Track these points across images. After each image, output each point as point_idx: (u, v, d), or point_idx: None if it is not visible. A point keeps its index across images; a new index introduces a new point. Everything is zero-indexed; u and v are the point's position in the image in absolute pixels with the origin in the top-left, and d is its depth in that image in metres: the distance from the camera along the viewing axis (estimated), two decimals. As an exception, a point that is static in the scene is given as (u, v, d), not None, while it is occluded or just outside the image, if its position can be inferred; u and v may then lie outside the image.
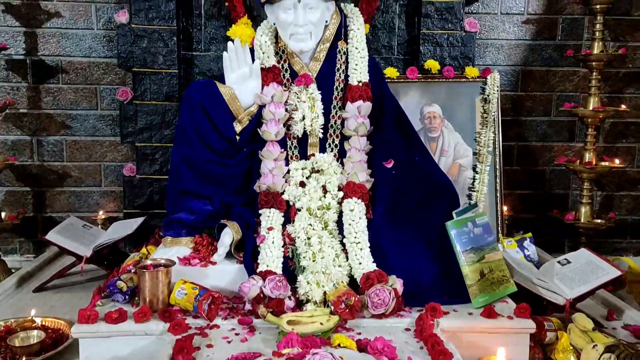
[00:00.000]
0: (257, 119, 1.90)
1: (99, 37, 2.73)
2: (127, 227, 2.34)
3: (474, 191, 2.61)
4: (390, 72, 2.62)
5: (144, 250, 2.00)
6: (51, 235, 2.25)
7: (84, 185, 2.82)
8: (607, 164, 2.65)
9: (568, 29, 2.86)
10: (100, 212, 2.74)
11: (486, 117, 2.60)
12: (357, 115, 1.88)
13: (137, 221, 2.39)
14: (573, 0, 2.78)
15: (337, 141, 1.94)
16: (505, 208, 2.66)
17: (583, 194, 2.69)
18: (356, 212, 1.74)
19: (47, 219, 2.80)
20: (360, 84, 1.91)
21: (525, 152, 2.93)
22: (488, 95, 2.59)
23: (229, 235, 1.73)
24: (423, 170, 1.82)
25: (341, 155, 1.93)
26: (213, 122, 1.82)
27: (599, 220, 2.67)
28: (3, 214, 2.51)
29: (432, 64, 2.63)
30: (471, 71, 2.61)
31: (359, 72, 1.91)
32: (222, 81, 1.90)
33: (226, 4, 2.64)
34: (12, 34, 2.68)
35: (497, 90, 2.60)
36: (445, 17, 2.67)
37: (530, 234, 2.21)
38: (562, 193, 2.97)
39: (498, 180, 2.64)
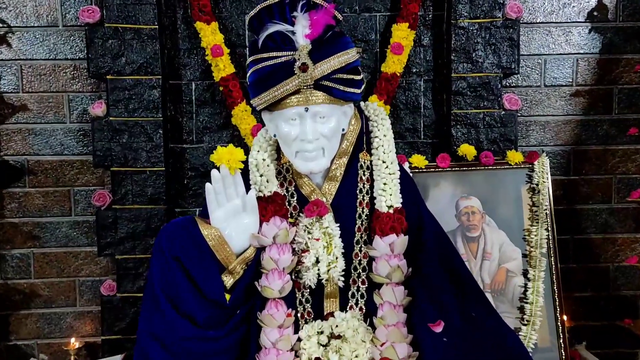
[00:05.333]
0: (254, 267, 1.38)
1: (72, 132, 2.34)
2: (98, 376, 1.88)
3: (527, 303, 2.16)
4: (417, 160, 2.22)
5: None
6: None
7: (55, 306, 2.38)
8: (690, 265, 2.18)
9: (626, 100, 2.43)
10: (73, 340, 2.28)
11: (536, 212, 2.19)
12: (389, 255, 1.35)
13: (113, 364, 1.93)
14: (630, 69, 2.36)
15: (362, 289, 1.40)
16: (565, 318, 2.19)
17: (661, 301, 2.21)
18: (397, 412, 1.24)
19: (12, 348, 2.35)
20: (392, 211, 1.39)
21: (583, 247, 2.48)
22: (537, 185, 2.19)
23: None
24: (485, 330, 1.30)
25: (369, 309, 1.40)
26: (194, 281, 1.30)
27: (686, 337, 2.17)
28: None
29: (467, 149, 2.24)
30: (514, 156, 2.21)
31: (389, 195, 1.40)
32: (207, 215, 1.39)
33: (221, 88, 2.27)
34: (-32, 134, 2.30)
35: (548, 178, 2.19)
36: (480, 93, 2.27)
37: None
38: (631, 294, 2.48)
39: (555, 288, 2.19)
